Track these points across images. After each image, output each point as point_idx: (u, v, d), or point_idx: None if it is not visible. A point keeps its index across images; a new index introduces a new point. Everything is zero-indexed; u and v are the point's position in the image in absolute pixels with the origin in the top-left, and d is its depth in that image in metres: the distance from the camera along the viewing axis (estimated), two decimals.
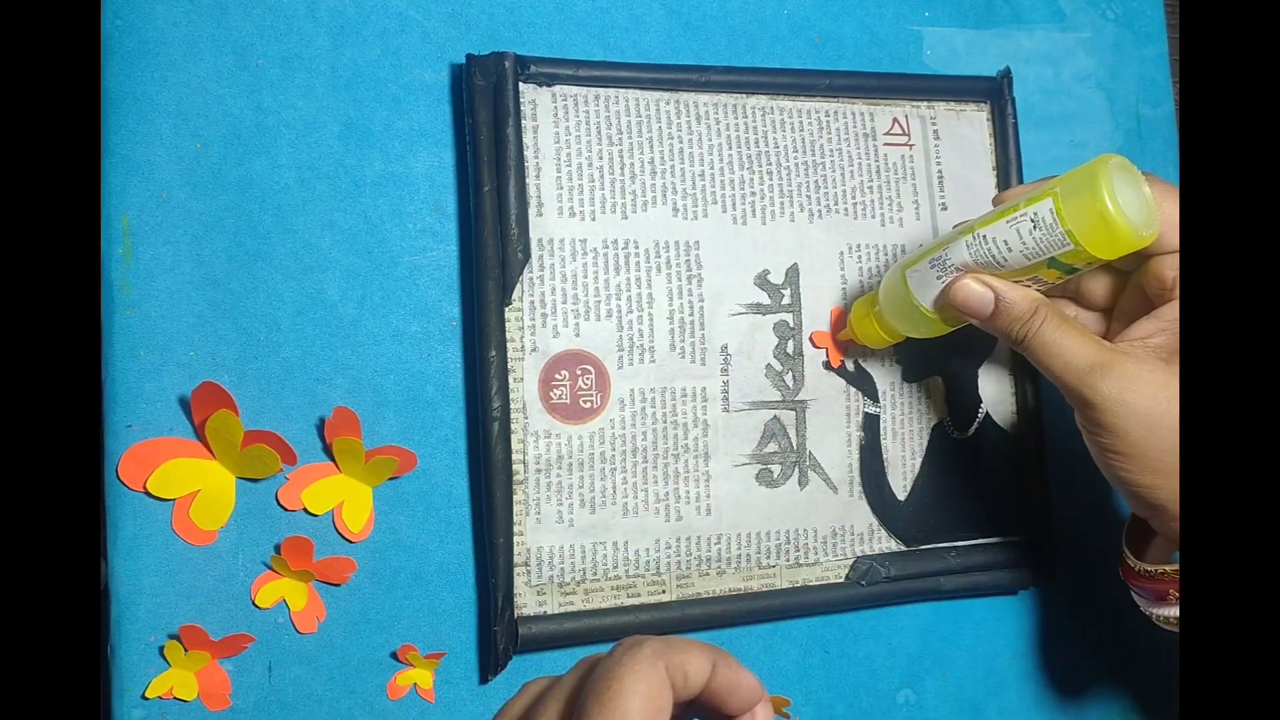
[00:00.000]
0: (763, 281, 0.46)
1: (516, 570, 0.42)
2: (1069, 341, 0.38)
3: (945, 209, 0.49)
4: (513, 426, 0.42)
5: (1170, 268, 0.38)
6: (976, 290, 0.40)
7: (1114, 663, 0.52)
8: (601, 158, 0.44)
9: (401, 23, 0.44)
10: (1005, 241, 0.38)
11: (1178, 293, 0.38)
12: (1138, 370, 0.37)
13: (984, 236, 0.38)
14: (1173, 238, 0.37)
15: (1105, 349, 0.38)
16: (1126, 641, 0.52)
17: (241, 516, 0.41)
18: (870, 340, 0.45)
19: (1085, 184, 0.35)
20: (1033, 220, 0.37)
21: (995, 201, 0.41)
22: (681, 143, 0.46)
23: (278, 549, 0.40)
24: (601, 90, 0.45)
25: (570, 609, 0.43)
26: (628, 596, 0.43)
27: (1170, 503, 0.37)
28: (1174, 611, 0.40)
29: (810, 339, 0.46)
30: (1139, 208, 0.36)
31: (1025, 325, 0.39)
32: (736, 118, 0.47)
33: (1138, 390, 0.37)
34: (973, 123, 0.51)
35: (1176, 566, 0.39)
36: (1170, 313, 0.38)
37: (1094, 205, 0.35)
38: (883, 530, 0.47)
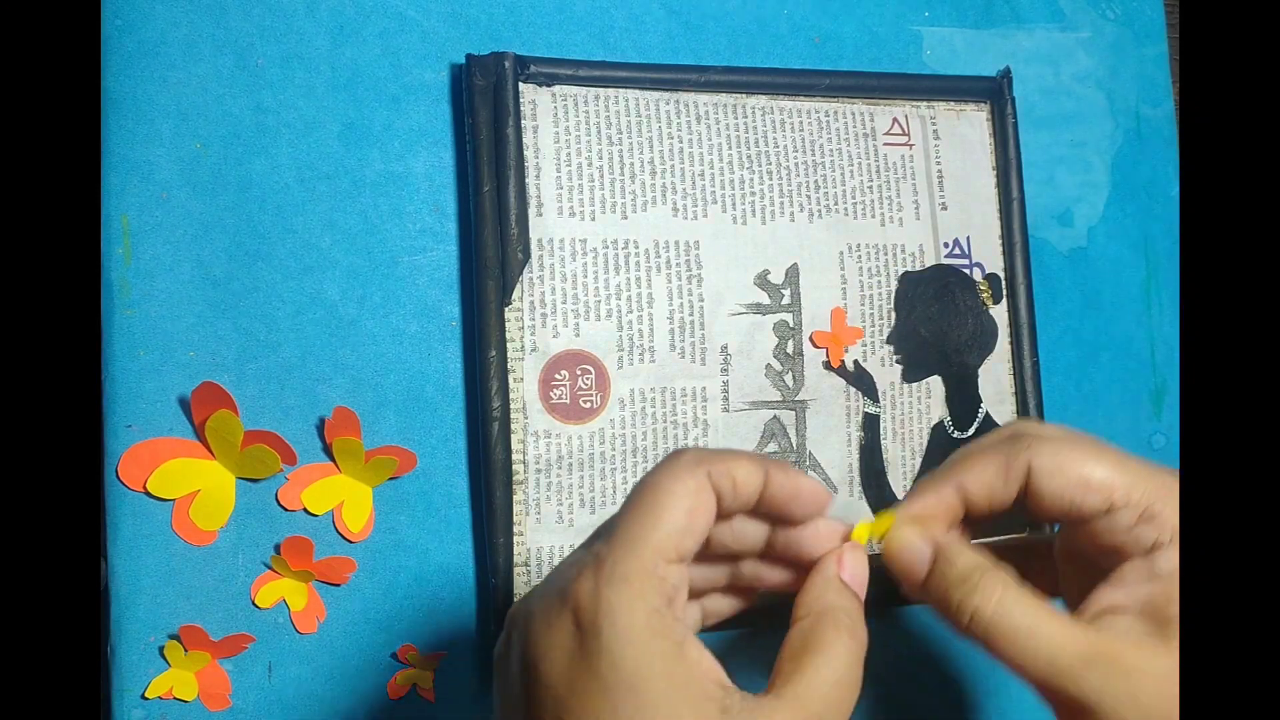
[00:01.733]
0: (763, 281, 0.46)
1: (516, 570, 0.42)
2: (1044, 625, 0.28)
3: (945, 209, 0.49)
4: (513, 426, 0.42)
5: (1120, 530, 0.29)
6: (913, 544, 0.30)
7: None
8: (601, 158, 0.44)
9: (401, 23, 0.44)
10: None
11: (1144, 548, 0.29)
12: (1139, 660, 0.28)
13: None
14: (1092, 500, 0.29)
15: (1088, 630, 0.28)
16: None
17: (241, 516, 0.41)
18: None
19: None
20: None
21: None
22: (681, 143, 0.46)
23: (277, 549, 0.40)
24: (601, 90, 0.45)
25: None
26: None
27: None
28: None
29: (810, 339, 0.46)
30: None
31: (968, 595, 0.29)
32: (736, 118, 0.47)
33: (1146, 687, 0.28)
34: (973, 123, 0.51)
35: None
36: (1130, 573, 0.29)
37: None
38: None
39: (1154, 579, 0.29)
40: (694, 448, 0.27)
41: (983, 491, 0.30)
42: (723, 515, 0.27)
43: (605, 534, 0.26)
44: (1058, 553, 0.34)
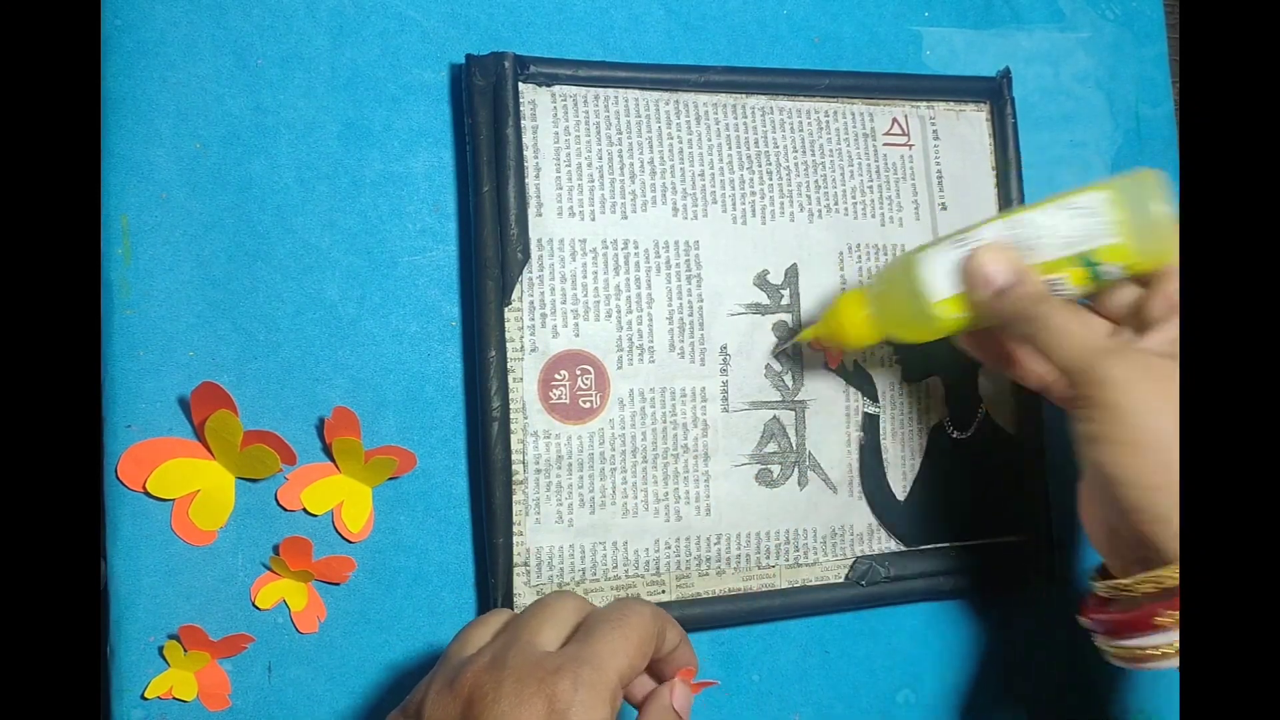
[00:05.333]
0: (762, 281, 0.46)
1: (516, 570, 0.42)
2: (1081, 325, 0.37)
3: (945, 209, 0.49)
4: (512, 426, 0.42)
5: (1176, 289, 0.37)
6: (997, 258, 0.38)
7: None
8: (601, 158, 0.44)
9: (401, 23, 0.44)
10: (1049, 225, 0.38)
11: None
12: (1151, 360, 0.35)
13: (1024, 220, 0.39)
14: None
15: (1120, 335, 0.38)
16: None
17: (241, 516, 0.41)
18: (853, 335, 0.42)
19: (1142, 188, 0.37)
20: (1086, 208, 0.38)
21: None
22: (681, 143, 0.46)
23: (277, 549, 0.40)
24: (601, 90, 0.45)
25: None
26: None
27: (1171, 517, 0.33)
28: (1146, 640, 0.35)
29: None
30: (1173, 224, 0.37)
31: (1037, 305, 0.38)
32: (736, 118, 0.47)
33: (1153, 378, 0.35)
34: (972, 123, 0.51)
35: (1155, 573, 0.34)
36: (1175, 330, 0.37)
37: (1150, 207, 0.37)
38: (882, 530, 0.47)
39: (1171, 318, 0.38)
40: (651, 604, 0.34)
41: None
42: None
43: (584, 637, 0.31)
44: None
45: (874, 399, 0.47)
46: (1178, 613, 0.33)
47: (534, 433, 0.42)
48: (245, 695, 0.40)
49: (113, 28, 0.41)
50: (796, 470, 0.46)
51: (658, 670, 0.35)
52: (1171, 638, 0.34)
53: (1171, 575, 0.33)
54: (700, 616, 0.44)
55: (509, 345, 0.42)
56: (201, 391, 0.39)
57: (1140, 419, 0.34)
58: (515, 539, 0.42)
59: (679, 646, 0.35)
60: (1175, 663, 0.34)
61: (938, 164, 0.49)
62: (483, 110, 0.43)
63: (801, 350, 0.46)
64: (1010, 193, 0.50)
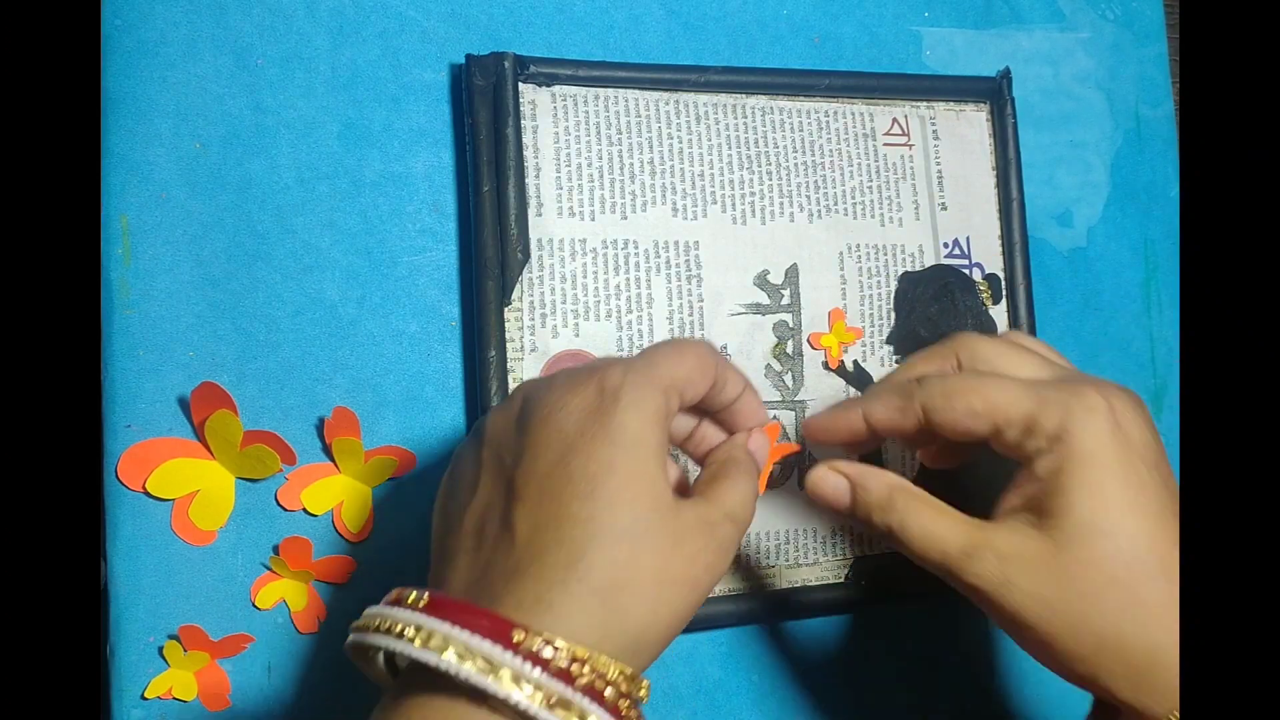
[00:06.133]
0: (762, 282, 0.46)
1: None
2: (937, 526, 0.35)
3: (945, 209, 0.49)
4: None
5: (1011, 445, 0.35)
6: (824, 480, 0.37)
7: None
8: (601, 158, 0.44)
9: (401, 23, 0.44)
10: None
11: (1029, 455, 0.34)
12: (1011, 544, 0.33)
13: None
14: (980, 425, 0.35)
15: (975, 527, 0.34)
16: None
17: (241, 516, 0.41)
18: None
19: None
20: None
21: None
22: (681, 143, 0.46)
23: (276, 549, 0.40)
24: (601, 90, 0.45)
25: None
26: None
27: (1116, 686, 0.32)
28: None
29: (808, 340, 0.46)
30: None
31: (887, 515, 0.35)
32: (736, 118, 0.47)
33: (1019, 569, 0.33)
34: (972, 123, 0.51)
35: None
36: (1021, 477, 0.35)
37: None
38: None
39: (1035, 480, 0.34)
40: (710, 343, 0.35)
41: (887, 426, 0.37)
42: (699, 403, 0.34)
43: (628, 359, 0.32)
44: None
45: None
46: None
47: None
48: (245, 695, 0.40)
49: (113, 28, 0.41)
50: (796, 470, 0.46)
51: (727, 421, 0.36)
52: None
53: None
54: (700, 617, 0.43)
55: (509, 345, 0.42)
56: (201, 391, 0.39)
57: (1032, 617, 0.33)
58: None
59: (743, 395, 0.35)
60: None
61: (938, 164, 0.49)
62: (483, 110, 0.43)
63: (801, 350, 0.46)
64: (1010, 193, 0.50)
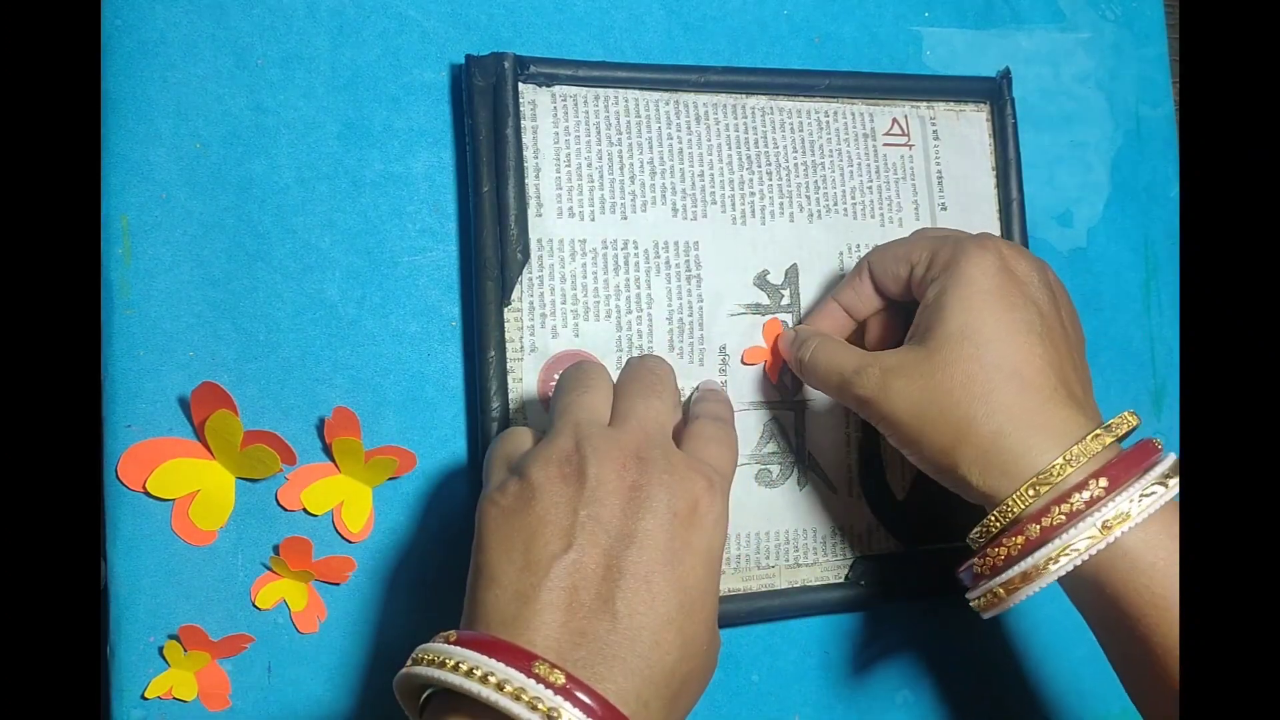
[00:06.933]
0: (762, 282, 0.46)
1: None
2: (836, 354, 0.41)
3: (945, 209, 0.49)
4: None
5: (922, 283, 0.40)
6: (785, 336, 0.45)
7: None
8: (601, 158, 0.44)
9: (401, 23, 0.44)
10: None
11: (920, 290, 0.40)
12: (893, 359, 0.39)
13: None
14: (899, 268, 0.41)
15: (866, 355, 0.40)
16: None
17: (241, 516, 0.41)
18: None
19: None
20: None
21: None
22: (681, 143, 0.46)
23: (277, 549, 0.40)
24: (601, 90, 0.45)
25: None
26: None
27: (968, 471, 0.37)
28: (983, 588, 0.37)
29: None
30: None
31: (798, 351, 0.43)
32: (736, 118, 0.47)
33: (896, 376, 0.38)
34: (972, 123, 0.51)
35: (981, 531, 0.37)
36: (919, 310, 0.40)
37: None
38: (882, 530, 0.47)
39: (926, 308, 0.39)
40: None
41: (852, 300, 0.44)
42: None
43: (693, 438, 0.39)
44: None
45: None
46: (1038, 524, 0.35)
47: None
48: (245, 695, 0.40)
49: (113, 28, 0.41)
50: (796, 470, 0.46)
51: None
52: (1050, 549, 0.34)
53: (995, 518, 0.36)
54: None
55: (509, 345, 0.42)
56: (201, 391, 0.39)
57: (904, 417, 0.38)
58: None
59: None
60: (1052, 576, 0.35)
61: (938, 164, 0.49)
62: (483, 110, 0.43)
63: None
64: (1010, 193, 0.50)
